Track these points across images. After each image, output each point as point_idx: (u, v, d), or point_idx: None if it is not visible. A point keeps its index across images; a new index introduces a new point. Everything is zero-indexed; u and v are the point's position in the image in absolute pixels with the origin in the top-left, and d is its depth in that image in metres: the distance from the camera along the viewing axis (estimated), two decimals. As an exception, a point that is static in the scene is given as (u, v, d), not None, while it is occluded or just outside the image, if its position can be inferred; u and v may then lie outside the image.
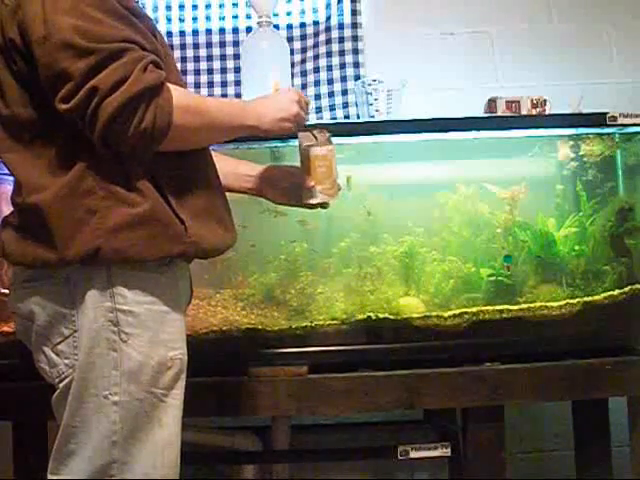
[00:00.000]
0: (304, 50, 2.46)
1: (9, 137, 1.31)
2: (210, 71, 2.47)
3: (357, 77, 2.43)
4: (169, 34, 2.43)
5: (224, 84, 2.46)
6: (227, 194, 1.51)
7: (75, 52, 1.20)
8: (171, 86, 1.28)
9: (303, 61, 2.46)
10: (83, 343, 1.28)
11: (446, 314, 1.93)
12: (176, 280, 1.37)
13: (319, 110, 2.45)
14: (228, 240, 1.44)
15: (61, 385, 1.31)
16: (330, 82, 2.45)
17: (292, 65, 2.33)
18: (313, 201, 1.62)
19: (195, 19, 2.47)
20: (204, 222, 1.36)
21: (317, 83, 2.46)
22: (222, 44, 2.47)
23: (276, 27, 2.35)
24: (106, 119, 1.20)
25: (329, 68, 2.46)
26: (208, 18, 2.48)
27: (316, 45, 2.46)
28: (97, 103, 1.20)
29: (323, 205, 1.64)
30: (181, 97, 1.29)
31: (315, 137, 1.63)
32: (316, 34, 2.46)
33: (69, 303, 1.29)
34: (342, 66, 2.45)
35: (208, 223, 1.37)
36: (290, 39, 2.41)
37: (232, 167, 1.66)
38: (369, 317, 1.93)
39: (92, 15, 1.21)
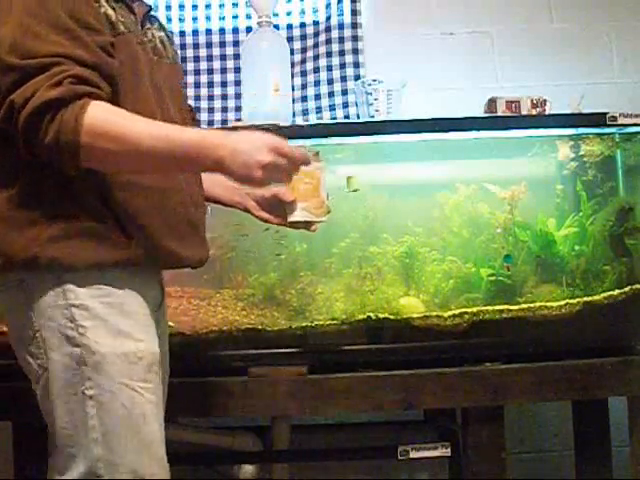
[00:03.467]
0: (304, 50, 2.46)
1: None
2: (210, 71, 2.47)
3: (357, 77, 2.43)
4: (169, 34, 2.43)
5: (224, 84, 2.46)
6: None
7: (5, 67, 1.22)
8: (98, 106, 1.22)
9: (303, 61, 2.46)
10: (47, 344, 1.29)
11: (446, 314, 1.93)
12: (127, 272, 1.33)
13: (319, 110, 2.45)
14: (191, 256, 1.41)
15: (38, 387, 1.32)
16: (330, 82, 2.45)
17: (292, 65, 2.33)
18: (293, 218, 1.54)
19: (195, 19, 2.48)
20: (157, 235, 1.33)
21: (317, 83, 2.46)
22: (222, 44, 2.47)
23: (276, 27, 2.35)
24: (21, 133, 1.22)
25: (329, 68, 2.46)
26: (208, 18, 2.48)
27: (316, 45, 2.46)
28: (15, 118, 1.21)
29: (307, 226, 1.57)
30: (100, 119, 1.21)
31: None
32: (316, 34, 2.46)
33: (27, 305, 1.30)
34: (342, 66, 2.45)
35: (163, 237, 1.34)
36: (290, 39, 2.41)
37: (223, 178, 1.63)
38: (369, 317, 1.93)
39: (31, 29, 1.22)
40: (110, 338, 1.28)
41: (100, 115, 1.21)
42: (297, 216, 1.55)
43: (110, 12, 1.33)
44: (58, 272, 1.28)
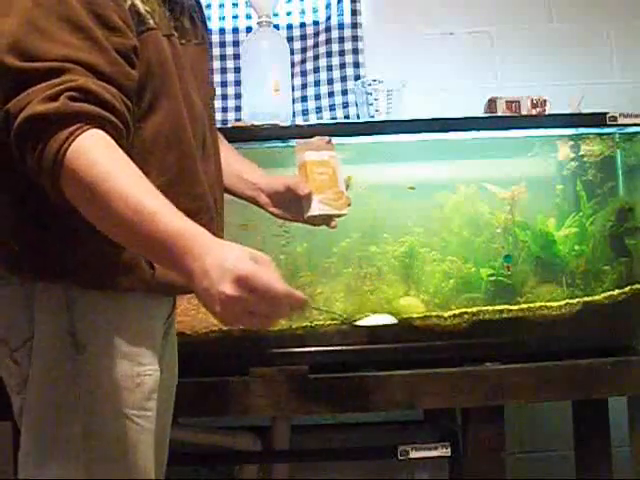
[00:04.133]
0: (304, 50, 2.46)
1: None
2: (210, 71, 2.47)
3: (357, 77, 2.42)
4: (169, 34, 2.43)
5: (224, 84, 2.46)
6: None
7: (4, 70, 1.03)
8: (88, 139, 1.01)
9: (303, 61, 2.46)
10: (38, 355, 1.15)
11: (446, 314, 1.93)
12: (146, 299, 1.22)
13: (319, 110, 2.45)
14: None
15: (18, 397, 1.18)
16: (330, 82, 2.45)
17: (292, 65, 2.32)
18: (311, 212, 1.42)
19: (195, 19, 2.47)
20: None
21: (317, 83, 2.46)
22: (222, 44, 2.46)
23: (276, 27, 2.35)
24: (14, 147, 1.04)
25: (329, 68, 2.46)
26: (208, 18, 2.47)
27: (316, 45, 2.46)
28: (10, 130, 1.03)
29: (327, 221, 1.46)
30: (81, 159, 1.00)
31: (314, 145, 1.46)
32: (316, 34, 2.46)
33: (23, 309, 1.16)
34: (342, 66, 2.45)
35: None
36: (290, 39, 2.41)
37: (239, 169, 1.51)
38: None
39: (38, 24, 1.03)
40: (108, 359, 1.16)
41: (83, 154, 1.00)
42: (315, 210, 1.42)
43: (137, 2, 1.15)
44: (67, 284, 1.15)
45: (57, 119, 1.00)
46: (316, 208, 1.41)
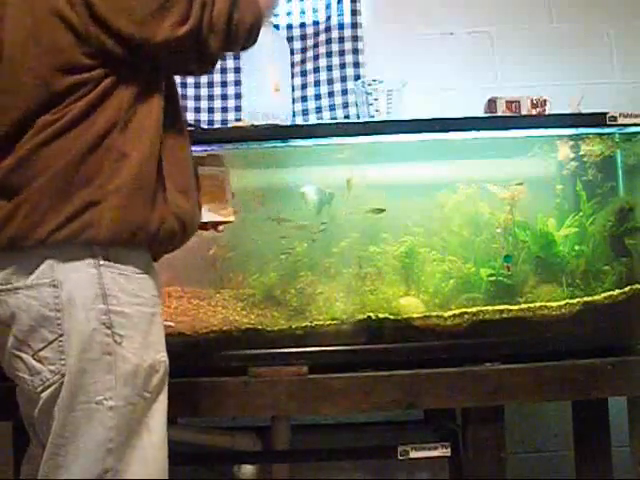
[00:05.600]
0: (304, 50, 2.46)
1: None
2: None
3: (357, 77, 2.42)
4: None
5: (224, 84, 2.45)
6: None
7: None
8: None
9: (303, 61, 2.46)
10: (73, 347, 1.23)
11: (446, 314, 1.93)
12: (156, 282, 1.36)
13: (319, 110, 2.45)
14: (194, 220, 1.43)
15: (45, 394, 1.25)
16: (330, 82, 2.45)
17: (292, 65, 2.33)
18: (202, 220, 1.56)
19: (195, 19, 2.47)
20: (185, 197, 1.36)
21: (317, 83, 2.46)
22: (222, 44, 2.46)
23: (276, 27, 2.35)
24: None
25: (329, 68, 2.46)
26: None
27: (316, 45, 2.46)
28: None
29: (215, 227, 1.63)
30: None
31: (206, 161, 1.63)
32: (316, 34, 2.46)
33: (54, 305, 1.24)
34: (342, 66, 2.45)
35: (189, 199, 1.37)
36: (290, 39, 2.41)
37: None
38: (369, 317, 1.93)
39: None
40: (141, 350, 1.27)
41: None
42: (204, 217, 1.57)
43: None
44: (104, 269, 1.26)
45: None
46: (205, 216, 1.57)
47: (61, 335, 1.24)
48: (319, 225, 1.95)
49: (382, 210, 1.93)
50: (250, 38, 1.37)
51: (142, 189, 1.27)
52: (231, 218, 1.64)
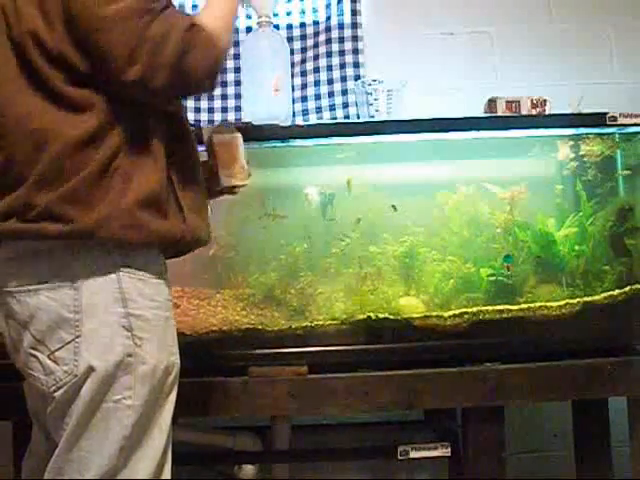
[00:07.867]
0: (304, 50, 2.46)
1: None
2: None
3: (357, 77, 2.42)
4: (169, 34, 2.42)
5: (224, 84, 2.45)
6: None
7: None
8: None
9: (303, 61, 2.46)
10: (93, 349, 1.26)
11: (446, 314, 1.93)
12: (169, 287, 1.39)
13: (319, 110, 2.45)
14: (207, 235, 1.46)
15: (58, 394, 1.28)
16: (330, 82, 2.45)
17: (292, 65, 2.32)
18: (218, 187, 1.62)
19: (195, 19, 2.47)
20: (196, 212, 1.40)
21: (317, 83, 2.46)
22: (222, 44, 2.46)
23: (276, 27, 2.35)
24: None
25: (329, 68, 2.46)
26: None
27: (316, 45, 2.46)
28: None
29: (231, 191, 1.65)
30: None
31: (219, 130, 1.66)
32: (316, 34, 2.46)
33: (73, 307, 1.27)
34: (342, 66, 2.45)
35: (203, 219, 1.42)
36: (290, 39, 2.41)
37: None
38: (369, 317, 1.93)
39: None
40: (158, 352, 1.32)
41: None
42: (223, 182, 1.61)
43: None
44: (123, 273, 1.29)
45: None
46: (223, 181, 1.61)
47: (78, 337, 1.27)
48: (326, 222, 1.97)
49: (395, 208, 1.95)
50: (206, 81, 1.35)
51: (158, 203, 1.32)
52: (247, 182, 1.65)
